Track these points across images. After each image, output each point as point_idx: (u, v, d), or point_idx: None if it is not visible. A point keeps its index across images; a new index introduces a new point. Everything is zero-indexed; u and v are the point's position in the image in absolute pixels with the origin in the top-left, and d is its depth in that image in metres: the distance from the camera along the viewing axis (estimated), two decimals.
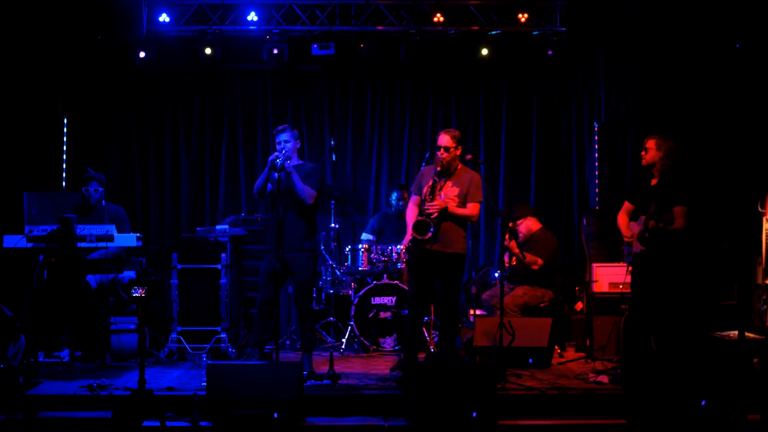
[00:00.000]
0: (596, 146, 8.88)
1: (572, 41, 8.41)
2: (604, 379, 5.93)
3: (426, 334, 7.12)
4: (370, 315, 7.35)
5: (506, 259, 7.16)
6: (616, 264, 7.19)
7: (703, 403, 5.14)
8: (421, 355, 6.51)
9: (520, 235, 7.23)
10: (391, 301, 7.39)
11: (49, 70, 7.98)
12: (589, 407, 5.55)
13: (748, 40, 7.61)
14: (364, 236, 7.94)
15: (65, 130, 8.36)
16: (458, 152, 6.12)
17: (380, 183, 9.06)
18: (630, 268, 6.09)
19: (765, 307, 6.61)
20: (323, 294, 7.75)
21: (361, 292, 7.39)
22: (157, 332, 6.91)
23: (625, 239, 6.10)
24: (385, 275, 7.45)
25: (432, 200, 6.03)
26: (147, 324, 5.82)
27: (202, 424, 5.16)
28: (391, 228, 7.86)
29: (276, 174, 5.85)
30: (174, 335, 6.78)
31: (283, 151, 6.01)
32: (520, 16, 8.20)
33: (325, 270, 7.70)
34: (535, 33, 8.36)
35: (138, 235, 6.38)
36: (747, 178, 7.32)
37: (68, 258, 6.09)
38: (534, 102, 9.06)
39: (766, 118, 7.50)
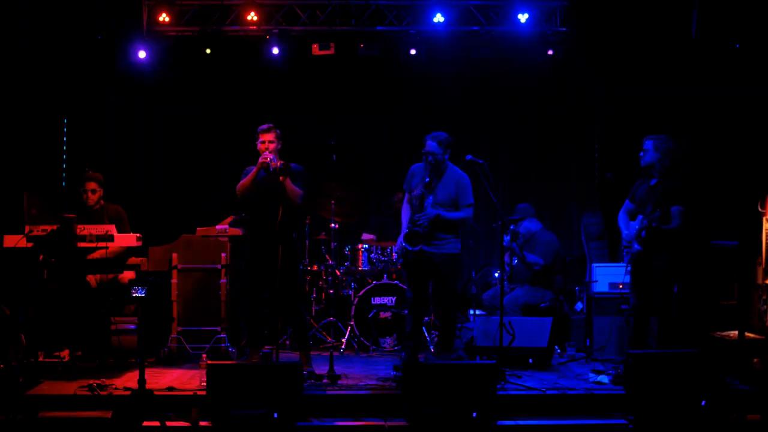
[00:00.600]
0: (596, 146, 8.88)
1: (572, 41, 8.41)
2: (604, 379, 5.94)
3: (426, 334, 7.13)
4: (370, 315, 7.35)
5: (506, 259, 7.16)
6: (616, 264, 7.19)
7: (703, 403, 5.14)
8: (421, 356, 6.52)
9: (521, 235, 7.23)
10: (391, 301, 7.39)
11: (49, 70, 7.98)
12: (589, 407, 5.54)
13: (748, 40, 7.61)
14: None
15: (65, 130, 8.36)
16: (447, 155, 6.06)
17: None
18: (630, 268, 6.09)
19: (765, 307, 6.61)
20: (323, 294, 7.75)
21: (361, 292, 7.39)
22: (157, 332, 6.90)
23: (625, 239, 6.11)
24: (385, 275, 7.45)
25: (422, 211, 6.00)
26: (147, 324, 5.81)
27: (203, 424, 5.16)
28: None
29: (264, 173, 5.86)
30: (174, 335, 6.79)
31: (272, 152, 5.99)
32: (520, 16, 8.20)
33: (326, 270, 7.70)
34: (535, 33, 8.36)
35: (138, 235, 6.38)
36: (747, 179, 7.32)
37: (68, 258, 6.09)
38: (534, 102, 9.05)
39: (766, 118, 7.50)
